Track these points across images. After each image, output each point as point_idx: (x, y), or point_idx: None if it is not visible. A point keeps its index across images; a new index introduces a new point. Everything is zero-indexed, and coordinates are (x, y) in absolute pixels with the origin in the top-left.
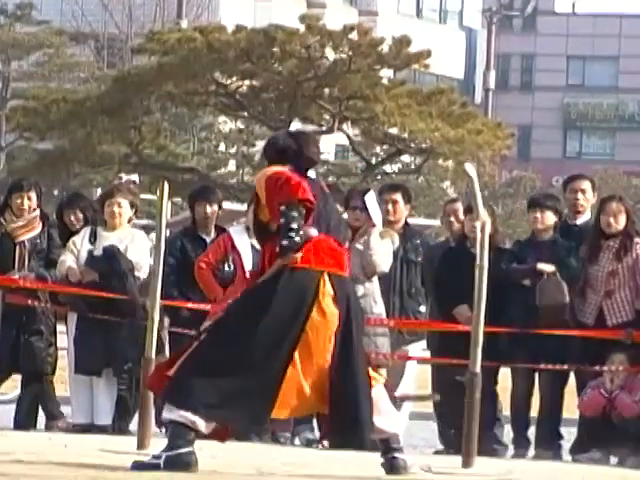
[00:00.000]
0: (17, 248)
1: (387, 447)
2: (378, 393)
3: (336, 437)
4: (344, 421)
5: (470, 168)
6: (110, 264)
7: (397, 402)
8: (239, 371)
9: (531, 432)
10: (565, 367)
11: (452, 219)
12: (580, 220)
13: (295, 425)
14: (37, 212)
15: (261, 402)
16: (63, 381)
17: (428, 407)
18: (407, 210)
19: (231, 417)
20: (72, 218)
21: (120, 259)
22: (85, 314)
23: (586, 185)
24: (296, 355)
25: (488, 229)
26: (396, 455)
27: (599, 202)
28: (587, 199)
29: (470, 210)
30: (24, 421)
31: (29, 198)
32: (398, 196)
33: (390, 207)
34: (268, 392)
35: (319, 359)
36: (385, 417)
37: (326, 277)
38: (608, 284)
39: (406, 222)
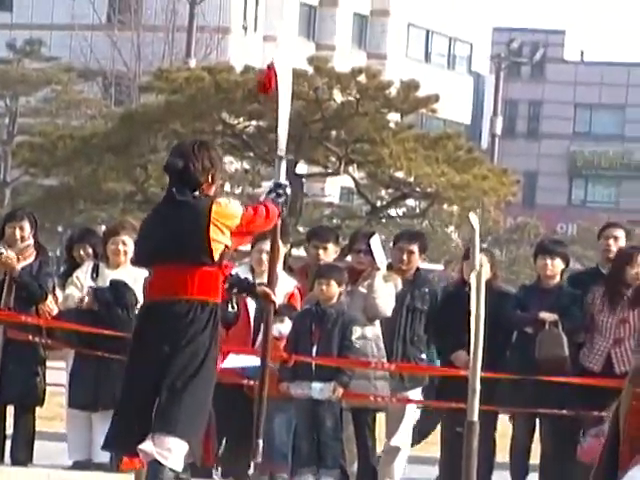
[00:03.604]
0: (6, 277)
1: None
2: None
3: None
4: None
5: (474, 219)
6: (115, 294)
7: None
8: None
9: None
10: (564, 412)
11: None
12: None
13: (296, 467)
14: (30, 241)
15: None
16: (62, 418)
17: (427, 451)
18: (421, 260)
19: None
20: (81, 253)
21: (127, 291)
22: (79, 349)
23: (619, 233)
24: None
25: (485, 276)
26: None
27: (619, 252)
28: (619, 247)
29: (468, 256)
30: (21, 456)
31: (21, 228)
32: (415, 247)
33: (405, 257)
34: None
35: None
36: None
37: (153, 305)
38: (618, 332)
39: (417, 269)
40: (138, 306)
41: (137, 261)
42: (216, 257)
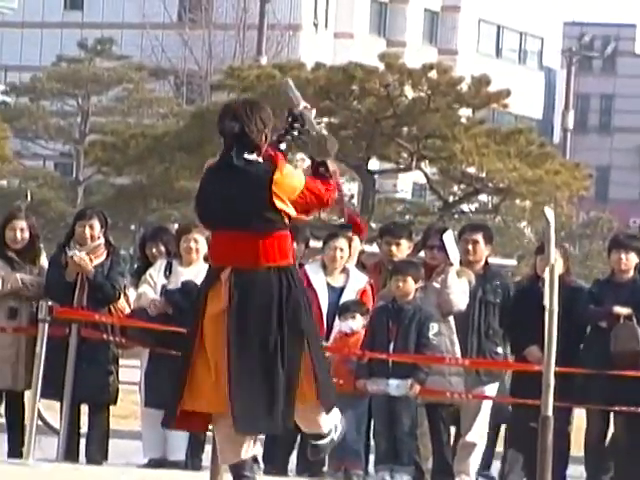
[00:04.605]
0: (79, 276)
1: (237, 473)
2: None
3: (237, 423)
4: (244, 406)
5: (549, 212)
6: (188, 298)
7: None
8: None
9: None
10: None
11: None
12: None
13: (376, 464)
14: (101, 240)
15: (173, 395)
16: (136, 416)
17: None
18: (488, 251)
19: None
20: (154, 251)
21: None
22: (154, 348)
23: None
24: (195, 350)
25: (559, 271)
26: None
27: None
28: None
29: (542, 250)
30: (95, 455)
31: (91, 227)
32: (479, 236)
33: (470, 247)
34: (178, 386)
35: (214, 354)
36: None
37: (227, 271)
38: None
39: (486, 262)
40: None
41: (204, 225)
42: (285, 221)
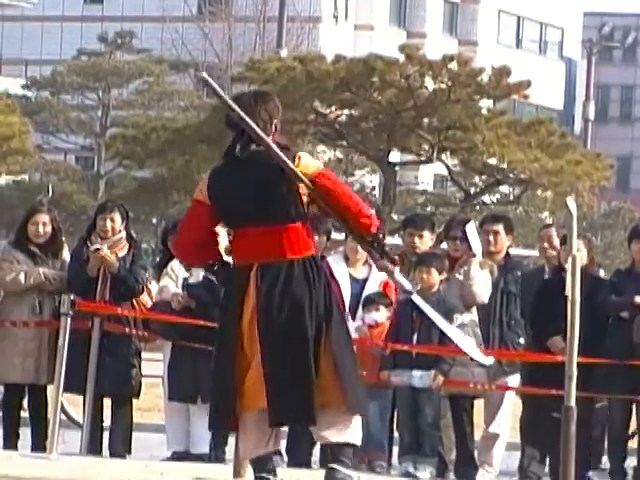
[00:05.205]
0: (101, 270)
1: (327, 456)
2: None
3: (274, 415)
4: (280, 399)
5: (571, 203)
6: (211, 293)
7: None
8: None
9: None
10: None
11: (546, 245)
12: None
13: (400, 455)
14: (122, 234)
15: (223, 399)
16: (160, 409)
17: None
18: (508, 241)
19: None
20: None
21: (221, 290)
22: (177, 342)
23: None
24: (237, 349)
25: (582, 261)
26: (334, 466)
27: None
28: None
29: (566, 241)
30: (119, 448)
31: (112, 220)
32: (500, 227)
33: (491, 238)
34: (227, 389)
35: (249, 350)
36: (331, 426)
37: (254, 268)
38: None
39: (507, 253)
40: None
41: (226, 225)
42: (304, 210)
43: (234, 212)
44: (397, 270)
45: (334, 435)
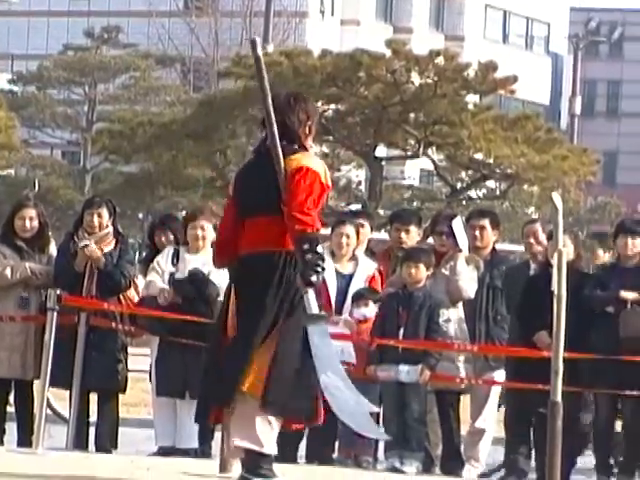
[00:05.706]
0: (87, 265)
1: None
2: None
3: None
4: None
5: (557, 198)
6: (197, 288)
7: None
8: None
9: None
10: None
11: (531, 240)
12: None
13: (386, 450)
14: (110, 229)
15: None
16: (146, 404)
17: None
18: (495, 236)
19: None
20: (162, 238)
21: (208, 284)
22: (164, 337)
23: None
24: (223, 340)
25: (568, 257)
26: (246, 476)
27: None
28: None
29: (552, 236)
30: (105, 443)
31: (99, 215)
32: (486, 222)
33: (477, 233)
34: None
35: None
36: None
37: (241, 259)
38: None
39: (494, 248)
40: (219, 299)
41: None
42: None
43: (241, 202)
44: (311, 291)
45: (245, 440)
